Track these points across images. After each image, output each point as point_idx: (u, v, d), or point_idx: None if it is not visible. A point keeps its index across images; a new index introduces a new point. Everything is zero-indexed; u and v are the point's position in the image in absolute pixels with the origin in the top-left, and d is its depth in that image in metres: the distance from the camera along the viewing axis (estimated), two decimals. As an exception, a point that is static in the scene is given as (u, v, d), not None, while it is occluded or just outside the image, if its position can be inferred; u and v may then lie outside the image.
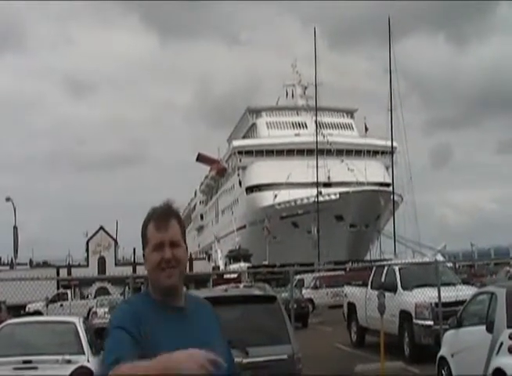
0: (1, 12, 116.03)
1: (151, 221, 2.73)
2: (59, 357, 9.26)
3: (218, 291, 14.28)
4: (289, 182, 73.61)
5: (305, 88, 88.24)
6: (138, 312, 2.59)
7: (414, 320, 15.89)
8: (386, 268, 18.78)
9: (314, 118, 69.49)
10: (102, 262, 61.51)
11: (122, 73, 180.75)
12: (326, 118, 78.98)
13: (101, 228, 64.00)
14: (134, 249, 65.53)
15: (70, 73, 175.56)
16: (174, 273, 2.67)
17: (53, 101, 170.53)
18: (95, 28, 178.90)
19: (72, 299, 41.67)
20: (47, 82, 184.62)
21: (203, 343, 2.44)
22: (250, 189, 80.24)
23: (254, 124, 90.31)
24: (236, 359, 3.31)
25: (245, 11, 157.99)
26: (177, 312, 2.67)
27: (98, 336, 11.72)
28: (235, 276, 44.52)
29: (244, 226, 79.25)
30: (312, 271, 41.64)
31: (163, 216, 2.72)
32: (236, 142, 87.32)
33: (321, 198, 64.52)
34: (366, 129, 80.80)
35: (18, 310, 34.52)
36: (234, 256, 62.76)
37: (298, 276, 37.25)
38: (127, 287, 44.33)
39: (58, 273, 57.28)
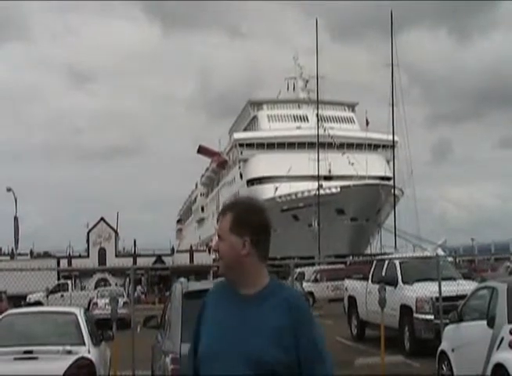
0: (3, 2, 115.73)
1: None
2: (60, 348, 9.24)
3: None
4: (290, 175, 73.59)
5: (307, 81, 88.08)
6: (208, 299, 2.94)
7: (415, 314, 15.91)
8: (387, 262, 18.79)
9: (315, 111, 69.41)
10: (102, 253, 61.59)
11: (123, 64, 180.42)
12: (327, 111, 78.89)
13: (102, 219, 64.06)
14: (134, 240, 65.77)
15: (71, 63, 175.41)
16: (220, 264, 2.87)
17: (54, 91, 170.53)
18: (97, 18, 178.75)
19: (72, 290, 41.71)
20: (48, 72, 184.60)
21: (232, 335, 2.72)
22: (251, 182, 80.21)
23: (255, 117, 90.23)
24: None
25: (247, 3, 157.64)
26: (240, 300, 2.80)
27: (98, 327, 11.73)
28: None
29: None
30: (313, 264, 41.73)
31: (223, 209, 2.90)
32: (237, 135, 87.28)
33: (322, 191, 64.52)
34: (367, 123, 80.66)
35: (19, 300, 34.67)
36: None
37: (299, 270, 37.28)
38: (127, 279, 44.49)
39: (58, 264, 57.39)
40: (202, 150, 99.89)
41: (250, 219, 2.81)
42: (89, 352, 9.53)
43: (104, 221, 64.05)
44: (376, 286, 15.77)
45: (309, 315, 2.82)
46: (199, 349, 2.85)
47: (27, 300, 38.53)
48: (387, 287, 15.23)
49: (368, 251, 69.48)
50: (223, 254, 2.82)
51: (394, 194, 61.14)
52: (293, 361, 2.69)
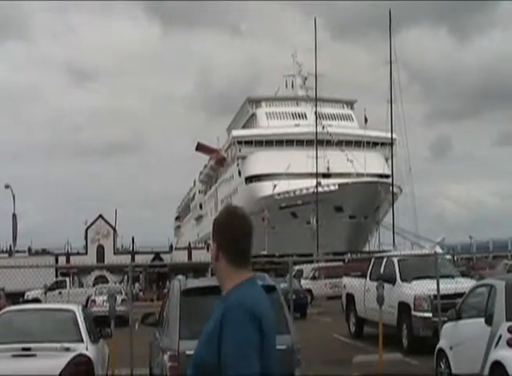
0: (3, 1, 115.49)
1: None
2: (58, 345, 9.24)
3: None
4: (288, 172, 73.60)
5: (305, 78, 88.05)
6: None
7: (413, 312, 15.91)
8: (385, 259, 18.80)
9: (314, 109, 69.38)
10: (100, 251, 61.66)
11: (123, 62, 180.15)
12: (325, 109, 78.88)
13: (100, 216, 64.11)
14: (133, 238, 65.82)
15: (71, 62, 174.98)
16: None
17: (54, 90, 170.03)
18: (97, 18, 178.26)
19: (71, 287, 41.74)
20: (48, 71, 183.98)
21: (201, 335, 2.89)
22: (250, 179, 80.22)
23: (253, 114, 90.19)
24: None
25: (246, 2, 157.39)
26: (217, 304, 2.93)
27: (97, 324, 11.72)
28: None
29: (243, 216, 79.03)
30: (311, 262, 41.74)
31: None
32: (236, 132, 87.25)
33: (320, 189, 64.55)
34: (366, 120, 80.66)
35: (17, 297, 34.66)
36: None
37: (297, 267, 37.31)
38: (125, 276, 44.52)
39: (57, 261, 57.48)
40: (200, 148, 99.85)
41: (220, 226, 3.00)
42: (87, 349, 9.52)
43: (102, 218, 64.08)
44: (375, 283, 15.79)
45: (233, 320, 2.76)
46: None
47: (25, 297, 38.54)
48: (386, 285, 15.24)
49: (366, 249, 69.44)
50: (211, 260, 3.01)
51: (392, 192, 61.13)
52: (216, 365, 2.74)
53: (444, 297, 14.86)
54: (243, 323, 2.74)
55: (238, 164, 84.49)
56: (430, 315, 15.51)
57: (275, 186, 73.61)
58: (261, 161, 78.29)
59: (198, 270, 42.54)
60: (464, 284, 15.28)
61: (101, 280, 45.75)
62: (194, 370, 2.82)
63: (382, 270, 17.98)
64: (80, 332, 9.84)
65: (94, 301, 29.83)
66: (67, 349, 9.25)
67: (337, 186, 68.24)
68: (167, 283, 31.69)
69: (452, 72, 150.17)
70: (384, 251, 43.01)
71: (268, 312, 2.87)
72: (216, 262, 2.93)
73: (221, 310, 2.81)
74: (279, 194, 72.93)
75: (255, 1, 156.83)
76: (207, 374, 2.77)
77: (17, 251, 60.03)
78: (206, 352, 2.78)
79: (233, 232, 2.95)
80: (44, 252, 64.81)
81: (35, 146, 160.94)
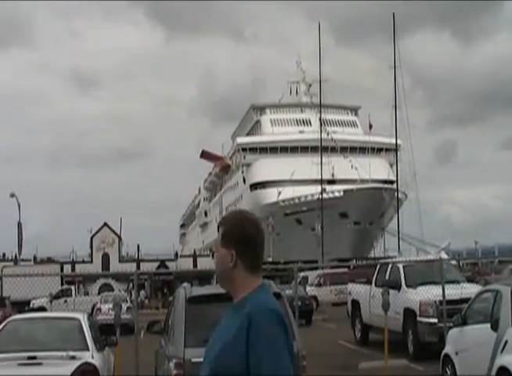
0: (7, 6, 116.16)
1: None
2: (64, 353, 9.25)
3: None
4: (293, 179, 73.58)
5: (310, 85, 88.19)
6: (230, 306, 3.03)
7: (418, 318, 15.89)
8: (390, 265, 18.78)
9: (318, 115, 69.41)
10: (106, 259, 61.68)
11: (126, 68, 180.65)
12: (330, 115, 78.92)
13: (105, 224, 64.14)
14: (138, 246, 65.85)
15: (75, 67, 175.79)
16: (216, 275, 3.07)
17: (58, 96, 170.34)
18: (100, 23, 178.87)
19: (76, 295, 41.74)
20: (51, 77, 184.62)
21: (213, 340, 2.89)
22: (254, 186, 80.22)
23: (258, 121, 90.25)
24: None
25: (251, 7, 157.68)
26: (229, 310, 2.95)
27: (102, 332, 11.73)
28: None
29: (248, 223, 78.99)
30: (316, 268, 41.69)
31: (218, 224, 3.08)
32: (240, 139, 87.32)
33: (325, 195, 64.49)
34: (370, 126, 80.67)
35: (22, 306, 34.62)
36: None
37: (302, 274, 37.31)
38: (131, 284, 44.49)
39: (62, 269, 57.44)
40: (205, 155, 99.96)
41: (235, 232, 2.94)
42: (93, 357, 9.53)
43: (107, 226, 64.12)
44: (380, 290, 15.78)
45: (265, 328, 2.75)
46: None
47: (31, 305, 38.52)
48: (391, 291, 15.22)
49: (371, 255, 69.38)
50: (215, 266, 2.98)
51: (397, 198, 61.09)
52: (244, 369, 2.72)
53: (449, 302, 14.84)
54: (275, 327, 2.76)
55: (243, 172, 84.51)
56: (435, 320, 15.49)
57: (279, 192, 73.60)
58: (265, 168, 78.29)
59: (203, 278, 42.54)
60: (470, 290, 15.26)
61: (106, 288, 45.71)
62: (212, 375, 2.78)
63: (387, 276, 17.97)
64: (85, 340, 9.85)
65: (99, 309, 29.84)
66: (73, 358, 9.26)
67: (341, 193, 68.18)
68: (173, 290, 31.69)
69: (457, 77, 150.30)
70: (389, 257, 43.05)
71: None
72: (233, 268, 2.89)
73: (241, 316, 2.78)
74: (283, 201, 72.93)
75: (259, 7, 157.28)
76: None
77: (22, 260, 60.01)
78: (227, 358, 2.74)
79: (251, 238, 2.93)
80: (49, 260, 64.90)
81: (40, 153, 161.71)
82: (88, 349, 9.65)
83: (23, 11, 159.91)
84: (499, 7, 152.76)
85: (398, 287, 16.77)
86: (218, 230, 3.01)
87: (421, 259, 23.44)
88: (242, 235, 2.92)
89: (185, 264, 59.00)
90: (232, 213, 3.09)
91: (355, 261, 55.13)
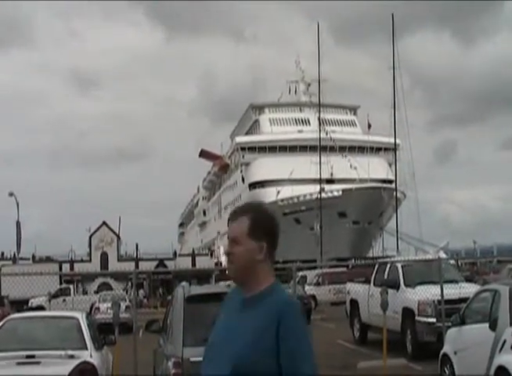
0: (7, 6, 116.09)
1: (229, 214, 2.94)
2: (62, 352, 9.25)
3: (221, 286, 14.31)
4: (292, 178, 73.58)
5: (309, 84, 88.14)
6: (223, 303, 2.99)
7: (417, 317, 15.89)
8: (389, 265, 18.77)
9: (317, 115, 69.42)
10: (104, 258, 61.64)
11: (126, 68, 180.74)
12: (329, 115, 78.89)
13: (104, 223, 64.10)
14: (136, 245, 65.82)
15: (75, 67, 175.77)
16: (231, 268, 2.87)
17: (57, 96, 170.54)
18: (100, 23, 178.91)
19: (74, 294, 41.72)
20: (51, 77, 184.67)
21: (225, 336, 2.79)
22: (253, 186, 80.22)
23: (257, 121, 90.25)
24: None
25: (250, 7, 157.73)
26: (241, 303, 2.84)
27: (101, 331, 11.73)
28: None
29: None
30: (315, 268, 41.69)
31: (235, 212, 2.91)
32: (239, 139, 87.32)
33: (324, 195, 64.49)
34: (369, 126, 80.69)
35: (21, 305, 34.66)
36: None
37: (301, 273, 37.28)
38: (129, 283, 44.48)
39: (61, 268, 57.46)
40: (204, 154, 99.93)
41: (267, 225, 2.86)
42: (91, 356, 9.53)
43: (106, 225, 64.08)
44: (379, 289, 15.76)
45: (296, 317, 2.78)
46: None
47: (29, 304, 38.51)
48: (389, 290, 15.22)
49: (370, 254, 69.45)
50: (239, 258, 2.83)
51: (396, 197, 61.09)
52: (272, 363, 2.70)
53: (448, 302, 14.85)
54: (303, 319, 2.79)
55: (241, 171, 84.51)
56: (434, 320, 15.49)
57: (278, 192, 73.59)
58: (264, 167, 78.29)
59: (202, 277, 42.58)
60: (468, 289, 15.26)
61: (105, 287, 45.63)
62: (234, 372, 2.70)
63: (386, 276, 17.97)
64: (84, 339, 9.85)
65: (98, 308, 29.82)
66: (71, 356, 9.26)
67: (340, 192, 68.19)
68: (171, 290, 31.71)
69: (456, 77, 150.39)
70: (387, 257, 43.07)
71: None
72: (261, 262, 2.82)
73: (264, 310, 2.75)
74: (282, 200, 72.90)
75: (259, 7, 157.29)
76: (252, 373, 2.70)
77: (21, 259, 60.04)
78: (254, 353, 2.69)
79: (278, 233, 2.90)
80: (48, 260, 64.88)
81: (39, 152, 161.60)
82: (86, 348, 9.65)
83: (22, 11, 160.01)
84: (499, 7, 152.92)
85: (396, 287, 16.76)
86: (236, 220, 2.88)
87: (420, 259, 23.44)
88: (272, 227, 2.87)
89: (184, 263, 59.02)
90: (256, 204, 2.98)
91: (353, 260, 55.13)
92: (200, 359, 2.96)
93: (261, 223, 2.84)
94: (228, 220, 2.92)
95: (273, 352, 2.70)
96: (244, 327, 2.75)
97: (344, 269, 38.37)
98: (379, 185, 68.70)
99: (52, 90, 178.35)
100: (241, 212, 2.88)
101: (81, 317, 10.59)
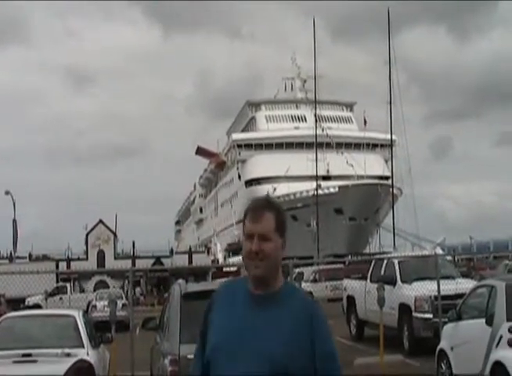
0: (4, 5, 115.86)
1: (249, 211, 2.85)
2: (59, 350, 9.23)
3: (218, 283, 14.31)
4: (288, 175, 73.60)
5: (304, 81, 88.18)
6: (216, 299, 2.89)
7: (413, 313, 15.90)
8: (385, 261, 18.78)
9: (313, 111, 69.38)
10: (101, 256, 61.58)
11: (123, 65, 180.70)
12: (325, 111, 78.86)
13: (100, 221, 64.03)
14: (133, 242, 65.75)
15: (72, 65, 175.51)
16: (260, 265, 2.77)
17: (54, 94, 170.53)
18: (97, 21, 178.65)
19: (71, 292, 41.70)
20: (48, 75, 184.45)
21: (249, 333, 2.71)
22: (250, 183, 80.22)
23: (253, 118, 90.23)
24: None
25: (246, 4, 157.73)
26: (257, 300, 2.78)
27: (97, 329, 11.72)
28: (234, 269, 44.60)
29: (243, 220, 79.12)
30: (312, 264, 41.71)
31: (258, 208, 2.83)
32: (236, 136, 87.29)
33: (320, 191, 64.52)
34: (365, 122, 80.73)
35: (17, 303, 34.57)
36: (233, 249, 62.81)
37: (298, 270, 37.29)
38: (126, 281, 44.48)
39: (57, 267, 57.38)
40: (200, 151, 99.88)
41: (285, 221, 2.88)
42: (88, 354, 9.52)
43: (103, 223, 64.02)
44: (375, 285, 15.77)
45: (325, 319, 2.83)
46: (208, 350, 2.83)
47: (26, 303, 38.46)
48: (386, 287, 15.24)
49: (367, 251, 69.44)
50: (271, 254, 2.78)
51: (392, 193, 61.11)
52: (307, 362, 2.71)
53: (444, 298, 14.84)
54: (324, 313, 2.85)
55: (238, 168, 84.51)
56: (430, 316, 15.50)
57: (275, 189, 73.54)
58: (260, 165, 78.30)
59: (199, 274, 42.57)
60: (465, 285, 15.27)
61: (101, 285, 45.70)
62: (272, 372, 2.66)
63: (382, 272, 17.97)
64: (80, 337, 9.84)
65: (95, 306, 29.82)
66: (68, 355, 9.25)
67: (337, 189, 68.21)
68: (168, 287, 31.72)
69: (452, 72, 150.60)
70: (384, 253, 43.10)
71: None
72: (280, 258, 2.82)
73: (290, 307, 2.75)
74: (279, 197, 72.68)
75: (255, 5, 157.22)
76: (289, 374, 2.67)
77: (18, 257, 59.97)
78: (292, 352, 2.69)
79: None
80: (44, 258, 64.71)
81: (36, 150, 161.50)
82: (83, 346, 9.64)
83: (20, 9, 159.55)
84: (494, 3, 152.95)
85: (393, 283, 16.77)
86: (262, 215, 2.81)
87: (416, 255, 23.48)
88: (286, 224, 2.88)
89: (181, 260, 59.04)
90: (273, 200, 2.97)
91: (350, 257, 55.10)
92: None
93: (283, 219, 2.86)
94: (245, 216, 2.85)
95: (309, 351, 2.71)
96: (274, 326, 2.72)
97: (341, 266, 38.33)
98: (375, 181, 68.72)
99: (49, 88, 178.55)
100: (265, 208, 2.83)
101: (78, 315, 10.58)
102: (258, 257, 2.76)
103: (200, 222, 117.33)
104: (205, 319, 2.91)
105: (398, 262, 17.77)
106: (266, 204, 2.86)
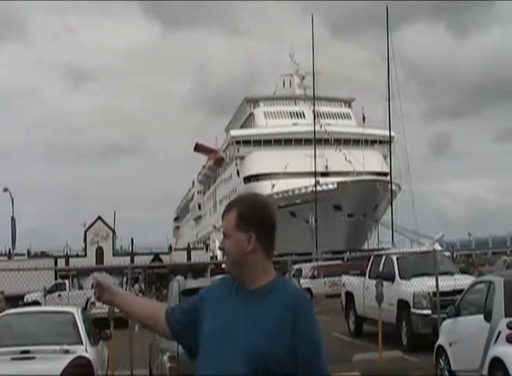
0: (2, 2, 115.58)
1: None
2: (57, 347, 9.23)
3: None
4: (287, 171, 73.57)
5: (303, 77, 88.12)
6: (211, 292, 2.92)
7: (412, 309, 15.91)
8: (384, 257, 18.78)
9: (312, 108, 69.35)
10: (100, 252, 61.57)
11: (121, 63, 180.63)
12: (323, 108, 78.84)
13: (99, 218, 64.01)
14: (132, 239, 65.77)
15: (70, 62, 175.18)
16: (227, 262, 2.87)
17: (52, 91, 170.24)
18: (95, 18, 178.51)
19: (70, 289, 41.68)
20: (46, 72, 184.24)
21: (236, 328, 2.71)
22: (248, 179, 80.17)
23: (251, 114, 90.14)
24: None
25: (245, 1, 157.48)
26: (243, 295, 2.80)
27: (96, 326, 11.72)
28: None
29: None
30: (310, 260, 41.71)
31: (227, 207, 2.90)
32: (234, 132, 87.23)
33: (319, 188, 64.50)
34: (364, 119, 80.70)
35: (16, 300, 34.56)
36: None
37: (296, 266, 37.29)
38: (125, 277, 44.41)
39: (56, 263, 57.29)
40: (199, 148, 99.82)
41: (254, 215, 2.81)
42: (87, 351, 9.52)
43: (101, 220, 64.00)
44: (374, 281, 15.80)
45: (312, 313, 2.81)
46: (200, 342, 2.81)
47: (25, 300, 38.46)
48: (385, 283, 15.26)
49: (365, 247, 69.46)
50: (229, 251, 2.81)
51: (391, 190, 61.14)
52: (289, 358, 2.68)
53: (443, 294, 14.87)
54: (313, 311, 2.83)
55: (236, 164, 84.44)
56: (429, 312, 15.52)
57: (273, 185, 73.54)
58: (259, 161, 78.25)
59: (197, 271, 42.50)
60: (463, 281, 15.29)
61: (100, 281, 45.58)
62: (253, 365, 2.65)
63: (381, 268, 17.98)
64: (79, 334, 9.84)
65: (93, 303, 29.80)
66: (67, 352, 9.24)
67: (335, 185, 68.18)
68: (167, 284, 31.70)
69: (451, 69, 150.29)
70: (382, 249, 43.12)
71: None
72: (250, 253, 2.77)
73: (276, 303, 2.73)
74: (277, 194, 72.83)
75: (254, 1, 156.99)
76: (271, 369, 2.66)
77: (16, 254, 59.89)
78: (273, 347, 2.67)
79: (271, 222, 2.83)
80: (43, 255, 64.73)
81: (34, 148, 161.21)
82: (81, 343, 9.63)
83: (18, 7, 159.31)
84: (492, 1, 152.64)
85: (391, 279, 16.78)
86: (227, 214, 2.86)
87: (415, 251, 23.48)
88: (262, 217, 2.82)
89: (179, 257, 58.98)
90: (246, 195, 2.96)
91: (348, 253, 55.09)
92: None
93: (248, 214, 2.80)
94: (222, 216, 2.90)
95: (291, 347, 2.69)
96: (258, 321, 2.71)
97: (340, 262, 38.30)
98: (374, 177, 68.72)
99: (48, 85, 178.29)
100: (231, 206, 2.87)
101: (77, 312, 10.57)
102: (224, 253, 2.85)
103: (198, 218, 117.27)
104: (195, 308, 2.90)
105: (397, 258, 17.78)
106: (233, 202, 2.90)
